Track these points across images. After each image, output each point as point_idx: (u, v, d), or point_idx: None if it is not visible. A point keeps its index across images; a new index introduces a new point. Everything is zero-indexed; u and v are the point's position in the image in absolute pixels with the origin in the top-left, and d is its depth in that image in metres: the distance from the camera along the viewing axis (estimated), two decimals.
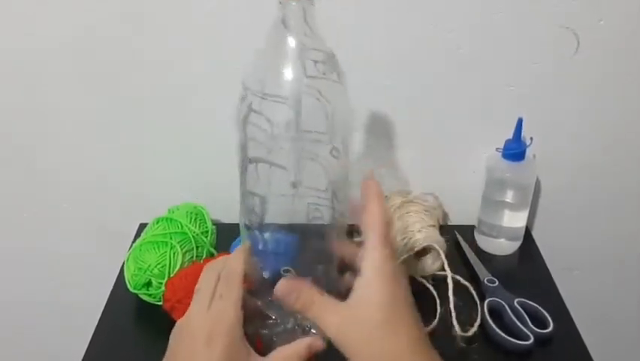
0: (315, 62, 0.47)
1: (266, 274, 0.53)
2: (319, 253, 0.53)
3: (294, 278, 0.51)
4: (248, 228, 0.52)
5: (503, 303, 0.79)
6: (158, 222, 0.86)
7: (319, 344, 0.50)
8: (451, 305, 0.76)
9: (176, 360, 0.49)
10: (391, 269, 0.48)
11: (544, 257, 0.92)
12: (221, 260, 0.53)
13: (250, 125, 0.48)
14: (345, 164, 0.51)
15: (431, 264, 0.83)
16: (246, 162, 0.50)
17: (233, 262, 0.52)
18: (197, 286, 0.51)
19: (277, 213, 0.51)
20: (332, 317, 0.48)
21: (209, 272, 0.52)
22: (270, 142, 0.47)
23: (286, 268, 0.52)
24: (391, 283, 0.48)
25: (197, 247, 0.84)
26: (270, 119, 0.47)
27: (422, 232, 0.83)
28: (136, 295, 0.82)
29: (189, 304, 0.73)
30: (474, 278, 0.85)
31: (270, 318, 0.53)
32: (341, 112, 0.48)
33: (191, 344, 0.48)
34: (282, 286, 0.49)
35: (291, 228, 0.52)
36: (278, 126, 0.47)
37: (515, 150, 0.86)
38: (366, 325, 0.47)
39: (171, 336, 0.50)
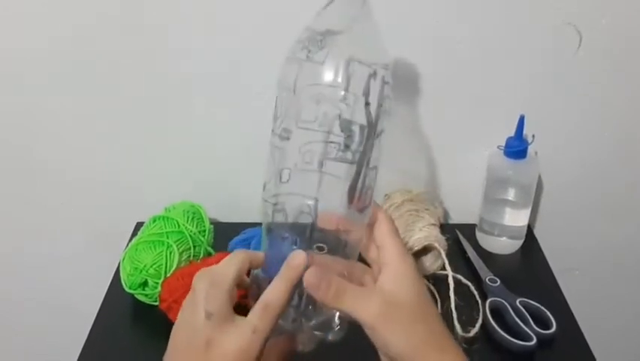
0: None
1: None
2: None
3: (321, 268, 0.48)
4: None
5: (505, 303, 0.79)
6: (154, 221, 0.85)
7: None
8: (452, 305, 0.76)
9: None
10: (411, 257, 0.50)
11: (547, 256, 0.91)
12: (227, 275, 0.49)
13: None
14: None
15: (432, 263, 0.83)
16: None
17: (278, 296, 0.47)
18: (206, 307, 0.46)
19: None
20: (369, 306, 0.47)
21: (219, 289, 0.48)
22: None
23: (320, 245, 0.50)
24: (414, 268, 0.50)
25: (194, 247, 0.83)
26: None
27: (423, 231, 0.83)
28: (132, 295, 0.81)
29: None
30: (475, 278, 0.84)
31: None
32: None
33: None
34: (310, 277, 0.47)
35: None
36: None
37: (517, 148, 0.85)
38: (405, 309, 0.47)
39: (181, 348, 0.47)
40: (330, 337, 0.51)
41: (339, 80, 0.48)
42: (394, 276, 0.49)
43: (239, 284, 0.50)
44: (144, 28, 0.83)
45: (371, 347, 0.49)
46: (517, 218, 0.90)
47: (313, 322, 0.51)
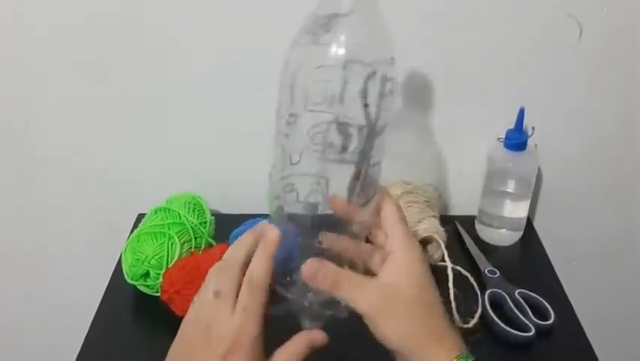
0: None
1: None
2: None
3: (320, 259, 0.49)
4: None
5: (504, 294, 0.79)
6: (156, 213, 0.85)
7: (320, 338, 0.50)
8: (452, 296, 0.76)
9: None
10: (417, 245, 0.51)
11: (546, 248, 0.92)
12: (236, 258, 0.50)
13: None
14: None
15: (431, 255, 0.83)
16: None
17: (260, 269, 0.48)
18: (215, 287, 0.48)
19: None
20: (365, 295, 0.48)
21: (229, 271, 0.49)
22: None
23: (320, 238, 0.51)
24: (420, 256, 0.50)
25: (195, 238, 0.83)
26: None
27: (423, 223, 0.83)
28: (134, 286, 0.81)
29: (188, 295, 0.74)
30: (474, 269, 0.85)
31: (286, 298, 0.52)
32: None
33: (209, 353, 0.46)
34: (308, 267, 0.48)
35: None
36: None
37: (517, 140, 0.85)
38: (403, 300, 0.48)
39: (186, 332, 0.48)
40: (339, 314, 0.52)
41: (344, 60, 0.47)
42: (398, 266, 0.49)
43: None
44: (145, 20, 0.83)
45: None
46: (516, 210, 0.90)
47: (323, 299, 0.51)
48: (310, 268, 0.49)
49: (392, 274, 0.49)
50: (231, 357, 0.45)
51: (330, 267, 0.49)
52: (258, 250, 0.50)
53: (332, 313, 0.52)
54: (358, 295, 0.48)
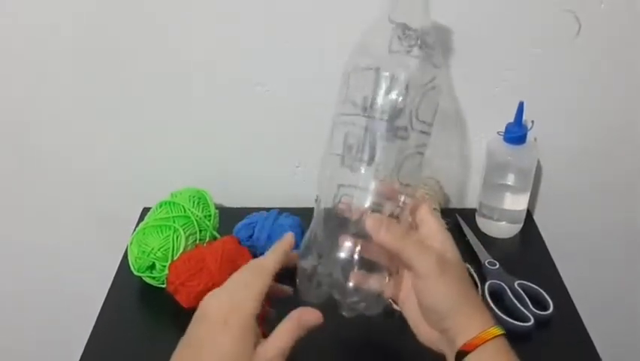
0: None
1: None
2: None
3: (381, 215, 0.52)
4: None
5: (504, 285, 0.80)
6: (161, 206, 0.86)
7: (313, 319, 0.52)
8: None
9: (197, 337, 0.49)
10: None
11: (545, 240, 0.92)
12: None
13: None
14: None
15: None
16: None
17: (270, 257, 0.53)
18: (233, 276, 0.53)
19: None
20: (428, 255, 0.50)
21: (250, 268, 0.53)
22: None
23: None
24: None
25: (200, 231, 0.84)
26: None
27: None
28: (140, 277, 0.83)
29: (192, 286, 0.75)
30: (475, 261, 0.86)
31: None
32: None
33: (209, 323, 0.49)
34: (374, 219, 0.51)
35: None
36: None
37: (516, 134, 0.86)
38: (453, 267, 0.51)
39: (194, 316, 0.51)
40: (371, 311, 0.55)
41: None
42: (441, 240, 0.53)
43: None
44: (145, 14, 0.84)
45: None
46: (516, 202, 0.91)
47: (354, 299, 0.54)
48: (376, 220, 0.51)
49: (439, 245, 0.52)
50: (228, 325, 0.48)
51: (393, 222, 0.52)
52: (277, 243, 0.55)
53: (365, 307, 0.54)
54: (420, 254, 0.50)
